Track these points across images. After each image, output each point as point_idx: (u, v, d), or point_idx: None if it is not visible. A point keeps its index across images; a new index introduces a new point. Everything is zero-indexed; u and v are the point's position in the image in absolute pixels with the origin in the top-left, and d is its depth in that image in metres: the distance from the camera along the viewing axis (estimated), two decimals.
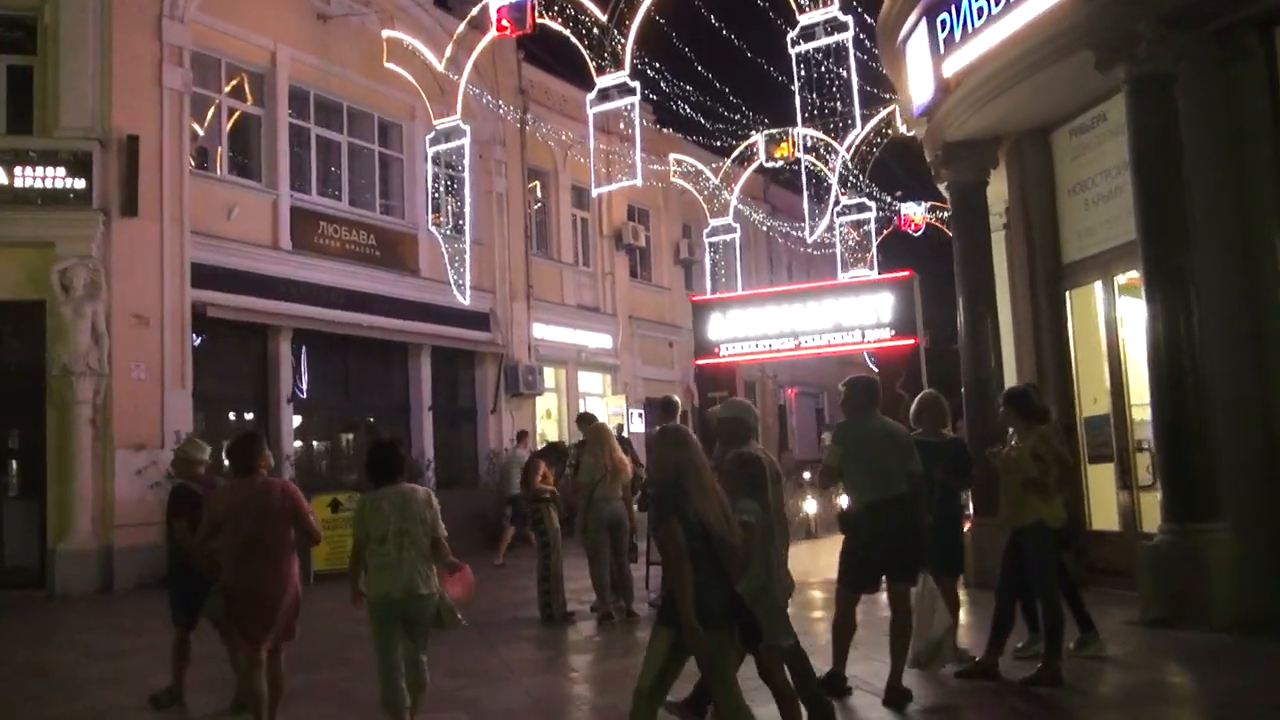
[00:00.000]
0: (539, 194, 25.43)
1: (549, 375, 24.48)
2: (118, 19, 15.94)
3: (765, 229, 30.10)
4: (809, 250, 33.28)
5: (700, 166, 26.55)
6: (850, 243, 32.76)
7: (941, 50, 9.76)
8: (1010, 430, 7.43)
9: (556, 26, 17.60)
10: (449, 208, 20.84)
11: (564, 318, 25.22)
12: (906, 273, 10.92)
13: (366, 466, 6.13)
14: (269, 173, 18.59)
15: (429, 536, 5.82)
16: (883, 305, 10.67)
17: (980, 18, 9.14)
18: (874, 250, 27.87)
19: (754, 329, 11.21)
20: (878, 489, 6.32)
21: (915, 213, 31.92)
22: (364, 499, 6.00)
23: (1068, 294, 9.97)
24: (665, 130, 25.39)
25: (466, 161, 20.37)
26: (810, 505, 12.11)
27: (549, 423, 24.95)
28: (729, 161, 26.09)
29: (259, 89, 18.85)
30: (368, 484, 6.16)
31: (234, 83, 18.62)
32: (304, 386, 18.67)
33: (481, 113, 21.93)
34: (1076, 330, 10.01)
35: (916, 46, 10.29)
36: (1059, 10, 8.32)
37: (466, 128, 20.02)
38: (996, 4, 8.92)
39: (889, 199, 29.46)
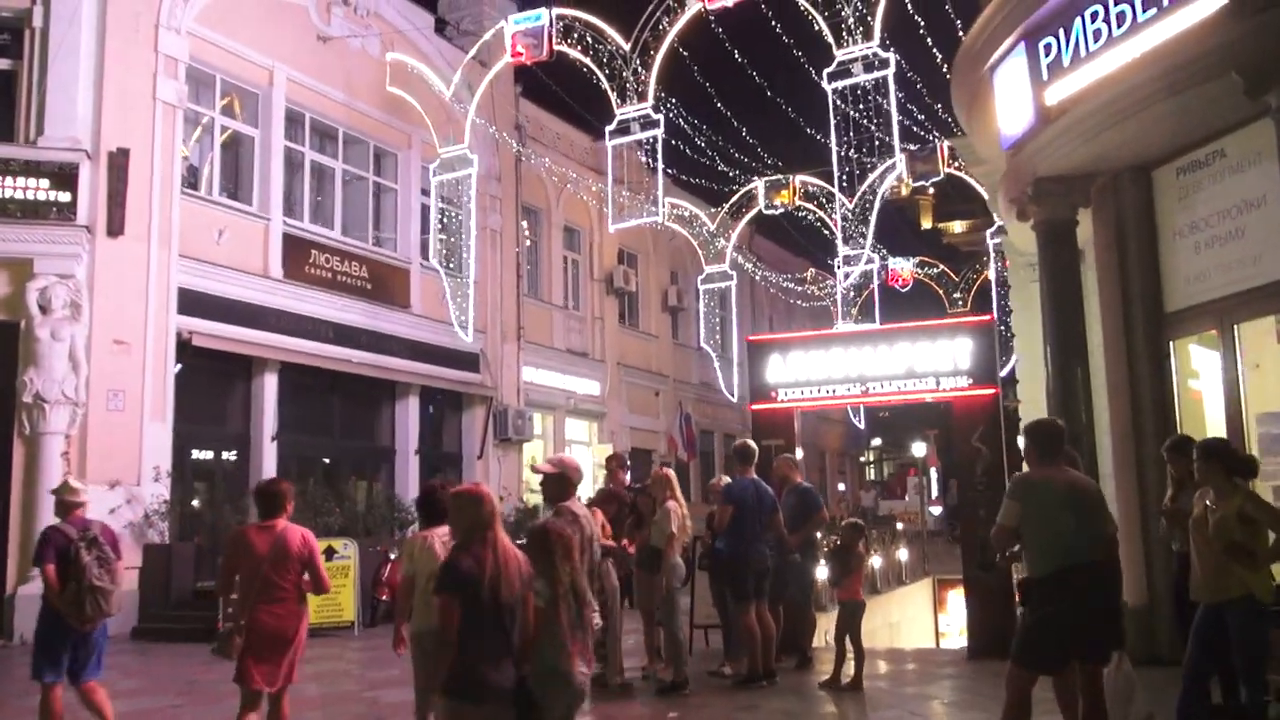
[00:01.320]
0: (527, 232, 24.47)
1: (536, 421, 23.43)
2: (112, 25, 14.96)
3: (757, 277, 29.40)
4: (794, 302, 32.77)
5: (696, 210, 25.83)
6: (836, 296, 32.30)
7: (1045, 76, 9.05)
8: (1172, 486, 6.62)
9: (575, 55, 16.82)
10: (446, 241, 19.92)
11: (554, 362, 24.28)
12: (987, 317, 10.14)
13: (419, 506, 6.62)
14: (261, 197, 17.56)
15: None
16: (960, 351, 9.85)
17: (1097, 41, 8.44)
18: (876, 303, 27.24)
19: (817, 373, 10.31)
20: (1065, 554, 5.42)
21: (903, 267, 31.51)
22: (416, 538, 6.31)
23: (1171, 344, 9.24)
24: (670, 170, 24.65)
25: (473, 192, 19.44)
26: (820, 571, 11.08)
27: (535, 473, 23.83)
28: (726, 208, 25.39)
29: (254, 108, 17.87)
30: (421, 523, 6.58)
31: (227, 100, 17.64)
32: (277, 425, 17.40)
33: (477, 146, 21.06)
34: (1181, 384, 9.27)
35: (1011, 73, 9.58)
36: (1199, 32, 7.62)
37: (474, 157, 19.15)
38: (1119, 26, 8.23)
39: (882, 252, 28.91)
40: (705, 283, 26.20)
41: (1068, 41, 8.76)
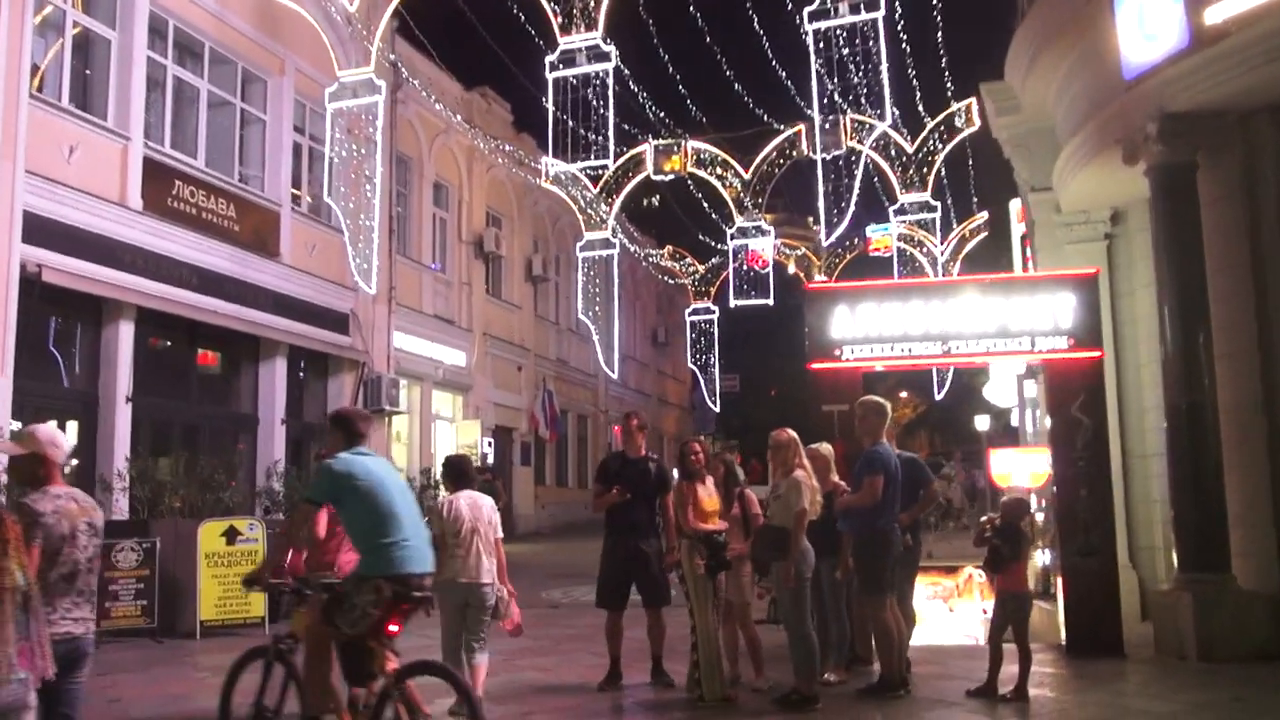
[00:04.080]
0: (394, 184, 21.99)
1: (403, 392, 21.11)
2: None
3: (632, 249, 27.88)
4: (661, 277, 31.59)
5: (576, 172, 23.95)
6: (696, 277, 31.28)
7: None
8: None
9: None
10: (344, 178, 17.45)
11: (423, 328, 22.05)
12: (1093, 270, 9.00)
13: (444, 475, 7.48)
14: (119, 112, 14.73)
15: (493, 537, 6.86)
16: (1062, 308, 8.65)
17: None
18: (770, 280, 26.20)
19: (891, 328, 8.90)
20: None
21: (764, 247, 30.69)
22: (443, 501, 7.04)
23: None
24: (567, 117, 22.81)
25: (380, 122, 17.01)
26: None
27: (399, 447, 21.53)
28: (614, 168, 23.65)
29: (111, 7, 14.94)
30: (448, 488, 7.21)
31: None
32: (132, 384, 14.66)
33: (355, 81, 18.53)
34: None
35: None
36: None
37: (382, 83, 16.76)
38: None
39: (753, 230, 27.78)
40: (585, 250, 24.41)
41: None
